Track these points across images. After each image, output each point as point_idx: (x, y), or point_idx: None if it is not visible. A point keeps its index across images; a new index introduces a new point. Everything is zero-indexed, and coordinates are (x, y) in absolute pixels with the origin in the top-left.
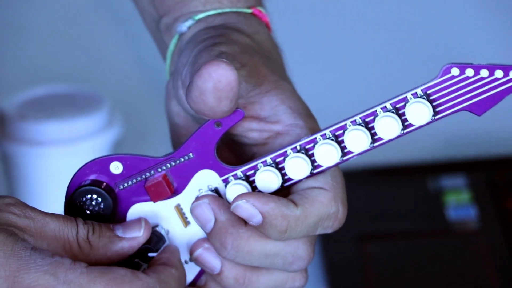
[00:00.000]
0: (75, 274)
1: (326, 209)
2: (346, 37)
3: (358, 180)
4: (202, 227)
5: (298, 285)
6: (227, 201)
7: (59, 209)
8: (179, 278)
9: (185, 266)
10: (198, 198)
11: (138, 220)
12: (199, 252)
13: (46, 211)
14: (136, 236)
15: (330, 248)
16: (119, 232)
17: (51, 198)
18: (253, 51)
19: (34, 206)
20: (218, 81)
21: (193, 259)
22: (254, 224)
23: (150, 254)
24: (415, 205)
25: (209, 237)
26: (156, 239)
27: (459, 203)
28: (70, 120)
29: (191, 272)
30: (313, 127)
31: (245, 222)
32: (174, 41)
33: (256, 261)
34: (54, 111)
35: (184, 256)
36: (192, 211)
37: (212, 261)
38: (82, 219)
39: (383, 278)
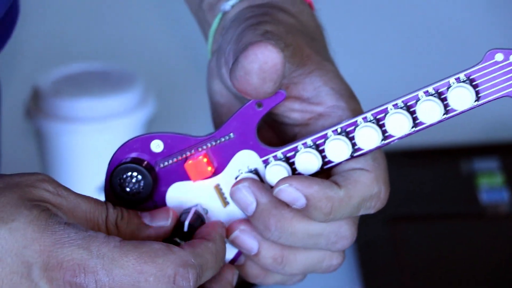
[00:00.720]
0: (108, 248)
1: (368, 190)
2: (389, 18)
3: (391, 161)
4: (243, 210)
5: (336, 263)
6: (267, 182)
7: (92, 185)
8: (217, 253)
9: (226, 244)
10: (237, 182)
11: (166, 210)
12: (235, 234)
13: (77, 192)
14: (163, 225)
15: (362, 228)
16: (147, 220)
17: (84, 175)
18: (297, 31)
19: (67, 182)
20: (264, 62)
21: (230, 241)
22: (297, 208)
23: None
24: (447, 187)
25: (252, 219)
26: (195, 218)
27: (492, 186)
28: (104, 98)
29: (231, 251)
30: (356, 109)
31: (287, 204)
32: (217, 20)
33: (300, 242)
34: (89, 88)
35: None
36: (232, 195)
37: (249, 242)
38: (123, 195)
39: (415, 259)
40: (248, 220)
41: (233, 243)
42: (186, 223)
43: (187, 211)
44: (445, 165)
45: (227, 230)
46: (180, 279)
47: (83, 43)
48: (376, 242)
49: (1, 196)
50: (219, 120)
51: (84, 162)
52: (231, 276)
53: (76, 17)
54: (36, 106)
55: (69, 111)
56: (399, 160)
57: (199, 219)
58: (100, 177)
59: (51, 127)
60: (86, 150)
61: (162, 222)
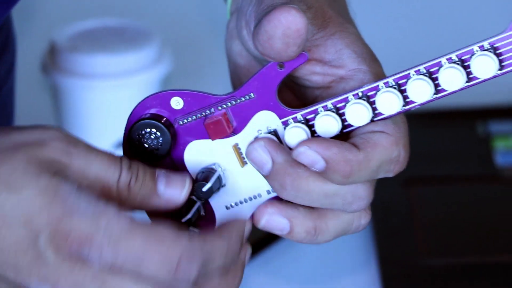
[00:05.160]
0: (117, 225)
1: (388, 153)
2: None
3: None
4: (260, 170)
5: (364, 222)
6: (286, 144)
7: (107, 142)
8: (227, 254)
9: (242, 205)
10: (253, 142)
11: (183, 178)
12: (265, 219)
13: (91, 146)
14: (176, 198)
15: (377, 190)
16: (161, 184)
17: (99, 131)
18: None
19: (81, 139)
20: (287, 27)
21: (260, 228)
22: (316, 170)
23: (194, 198)
24: (463, 149)
25: (268, 179)
26: (211, 175)
27: (507, 148)
28: (120, 54)
29: (249, 209)
30: (378, 72)
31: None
32: None
33: (316, 201)
34: (105, 44)
35: (239, 196)
36: (248, 155)
37: (280, 223)
38: (141, 151)
39: (429, 221)
40: (272, 201)
41: (265, 228)
42: (189, 216)
43: (204, 169)
44: (461, 127)
45: (254, 217)
46: (182, 271)
47: None
48: (391, 204)
49: (9, 160)
50: (238, 81)
51: (100, 119)
52: (244, 255)
53: None
54: (52, 62)
55: (85, 67)
56: (415, 121)
57: (219, 182)
58: (115, 134)
59: (67, 83)
60: (102, 107)
61: (177, 191)
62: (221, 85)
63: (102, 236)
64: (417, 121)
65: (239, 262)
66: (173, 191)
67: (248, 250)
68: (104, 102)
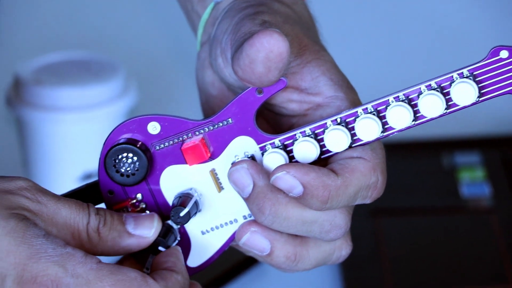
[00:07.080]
0: (84, 269)
1: (365, 178)
2: (387, 10)
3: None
4: (240, 192)
5: (345, 253)
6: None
7: (73, 175)
8: (184, 285)
9: (218, 230)
10: (236, 163)
11: (151, 218)
12: (247, 236)
13: (58, 195)
14: (146, 236)
15: None
16: (130, 227)
17: (65, 165)
18: (294, 21)
19: (47, 172)
20: (270, 51)
21: (241, 245)
22: (294, 196)
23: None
24: (429, 181)
25: (247, 202)
26: (188, 200)
27: (473, 180)
28: (85, 87)
29: (225, 235)
30: (354, 100)
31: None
32: (209, 10)
33: (293, 228)
34: (70, 77)
35: (215, 221)
36: (230, 176)
37: (262, 243)
38: (117, 177)
39: (396, 253)
40: (256, 221)
41: (245, 246)
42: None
43: (181, 195)
44: (426, 158)
45: (236, 234)
46: None
47: (65, 32)
48: (357, 235)
49: None
50: (210, 111)
51: (65, 152)
52: None
53: (57, 6)
54: (17, 95)
55: (50, 100)
56: None
57: (195, 207)
58: (81, 167)
59: (31, 116)
60: (67, 140)
61: (146, 231)
62: (188, 115)
63: (69, 279)
64: None
65: None
66: (142, 231)
67: None
68: (69, 135)
